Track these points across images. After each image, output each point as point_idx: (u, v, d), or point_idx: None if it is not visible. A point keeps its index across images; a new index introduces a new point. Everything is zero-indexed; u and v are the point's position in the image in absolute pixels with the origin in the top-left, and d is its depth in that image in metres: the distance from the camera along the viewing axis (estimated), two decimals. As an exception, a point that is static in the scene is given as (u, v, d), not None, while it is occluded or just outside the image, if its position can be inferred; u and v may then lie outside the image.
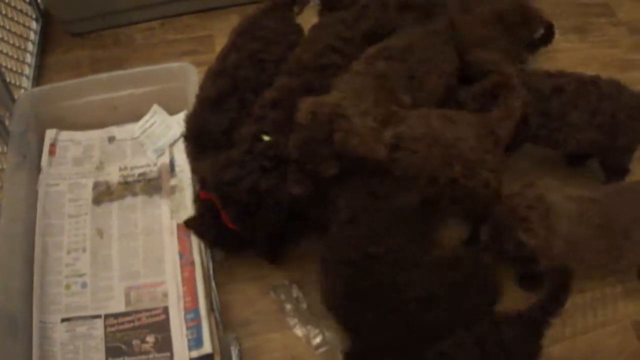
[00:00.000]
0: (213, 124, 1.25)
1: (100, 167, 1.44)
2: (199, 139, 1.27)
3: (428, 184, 1.17)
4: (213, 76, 1.31)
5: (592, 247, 1.18)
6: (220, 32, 1.70)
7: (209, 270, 1.27)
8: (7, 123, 1.41)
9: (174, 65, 1.44)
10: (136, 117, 1.49)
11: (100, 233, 1.36)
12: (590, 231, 1.16)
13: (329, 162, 1.10)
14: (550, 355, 1.30)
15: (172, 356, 1.20)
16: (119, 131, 1.50)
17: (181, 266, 1.29)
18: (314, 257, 1.32)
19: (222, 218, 1.18)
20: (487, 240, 1.19)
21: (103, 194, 1.40)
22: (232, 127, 1.23)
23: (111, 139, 1.49)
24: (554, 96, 1.31)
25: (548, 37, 1.61)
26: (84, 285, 1.29)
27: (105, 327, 1.24)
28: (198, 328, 1.21)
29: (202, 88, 1.31)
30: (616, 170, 1.43)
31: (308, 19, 1.49)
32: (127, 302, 1.27)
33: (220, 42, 1.65)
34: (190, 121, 1.28)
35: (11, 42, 1.56)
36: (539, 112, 1.31)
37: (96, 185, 1.42)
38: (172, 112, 1.49)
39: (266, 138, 1.16)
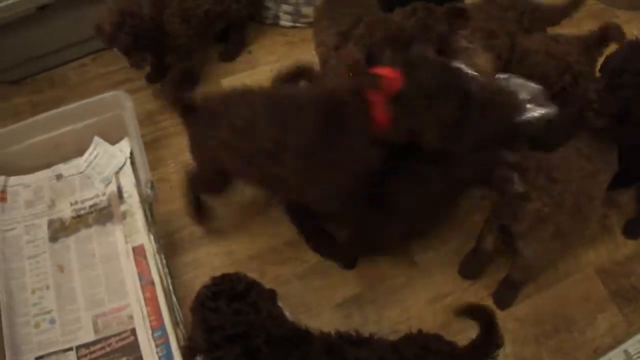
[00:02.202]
0: None
1: (52, 205, 1.48)
2: None
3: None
4: None
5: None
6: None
7: (168, 287, 1.31)
8: (-46, 177, 1.44)
9: (107, 95, 1.47)
10: (80, 151, 1.52)
11: (61, 268, 1.39)
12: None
13: None
14: (517, 314, 1.36)
15: (146, 375, 1.24)
16: (66, 168, 1.53)
17: (142, 287, 1.33)
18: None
19: None
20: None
21: (58, 231, 1.44)
22: None
23: (59, 177, 1.52)
24: None
25: None
26: (52, 321, 1.32)
27: (78, 358, 1.27)
28: (166, 344, 1.26)
29: None
30: None
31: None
32: (96, 330, 1.30)
33: (151, 66, 1.70)
34: None
35: (-51, 98, 1.59)
36: None
37: (50, 223, 1.45)
38: (113, 141, 1.53)
39: None
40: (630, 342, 1.28)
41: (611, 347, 1.30)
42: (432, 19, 1.34)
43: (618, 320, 1.37)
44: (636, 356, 1.20)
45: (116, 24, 1.45)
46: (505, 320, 1.34)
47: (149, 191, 1.32)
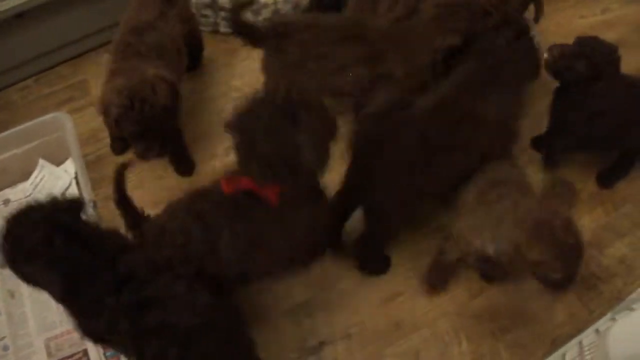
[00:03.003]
0: None
1: (1, 231, 1.47)
2: None
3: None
4: None
5: None
6: (93, 75, 1.73)
7: (119, 306, 1.30)
8: None
9: (48, 117, 1.46)
10: (26, 174, 1.52)
11: (11, 294, 1.38)
12: None
13: None
14: (473, 310, 1.34)
15: (99, 395, 1.23)
16: (13, 192, 1.53)
17: (92, 308, 1.32)
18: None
19: None
20: None
21: (8, 256, 1.43)
22: None
23: (6, 202, 1.52)
24: None
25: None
26: (5, 348, 1.32)
27: (33, 382, 1.26)
28: (118, 363, 1.25)
29: None
30: None
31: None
32: (49, 354, 1.30)
33: (95, 84, 1.69)
34: None
35: None
36: None
37: (0, 249, 1.44)
38: (58, 162, 1.52)
39: None
40: (585, 332, 1.25)
41: (570, 337, 1.28)
42: None
43: (577, 309, 1.34)
44: (588, 348, 1.17)
45: (124, 107, 1.29)
46: (460, 317, 1.33)
47: (91, 211, 1.31)
